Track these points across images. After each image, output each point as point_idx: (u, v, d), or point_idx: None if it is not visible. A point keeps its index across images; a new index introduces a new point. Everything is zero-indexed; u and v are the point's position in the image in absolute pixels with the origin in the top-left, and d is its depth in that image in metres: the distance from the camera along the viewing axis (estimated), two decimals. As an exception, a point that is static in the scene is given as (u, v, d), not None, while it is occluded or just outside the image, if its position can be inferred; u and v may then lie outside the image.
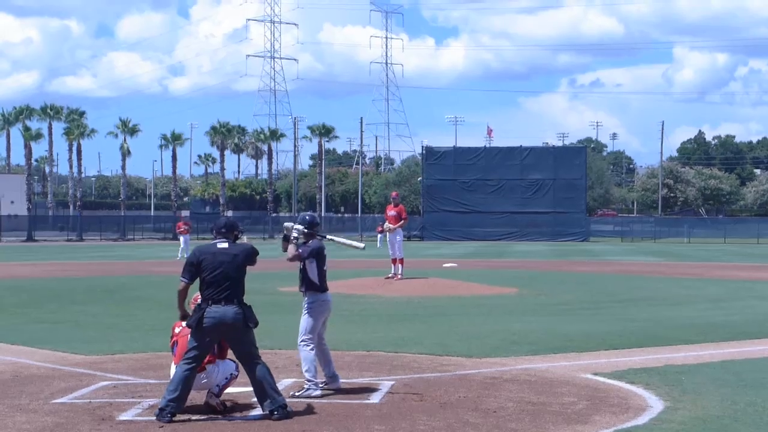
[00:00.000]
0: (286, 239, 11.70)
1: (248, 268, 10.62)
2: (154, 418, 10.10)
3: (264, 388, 10.27)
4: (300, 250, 11.57)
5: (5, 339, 17.09)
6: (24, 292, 28.01)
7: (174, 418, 10.03)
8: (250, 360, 10.37)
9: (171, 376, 10.50)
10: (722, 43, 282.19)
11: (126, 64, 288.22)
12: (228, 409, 10.60)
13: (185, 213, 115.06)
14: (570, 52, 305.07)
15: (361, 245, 12.86)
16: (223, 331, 10.29)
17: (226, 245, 10.55)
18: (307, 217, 11.93)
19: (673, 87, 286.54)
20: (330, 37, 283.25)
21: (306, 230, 11.71)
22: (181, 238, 49.13)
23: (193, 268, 10.43)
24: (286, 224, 11.82)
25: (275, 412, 10.14)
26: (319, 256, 11.65)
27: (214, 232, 10.79)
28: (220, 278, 10.26)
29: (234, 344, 10.44)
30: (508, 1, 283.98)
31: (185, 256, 44.99)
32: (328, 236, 12.37)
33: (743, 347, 16.29)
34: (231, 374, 10.63)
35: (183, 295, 10.57)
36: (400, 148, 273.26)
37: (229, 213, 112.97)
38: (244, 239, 11.35)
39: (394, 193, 31.46)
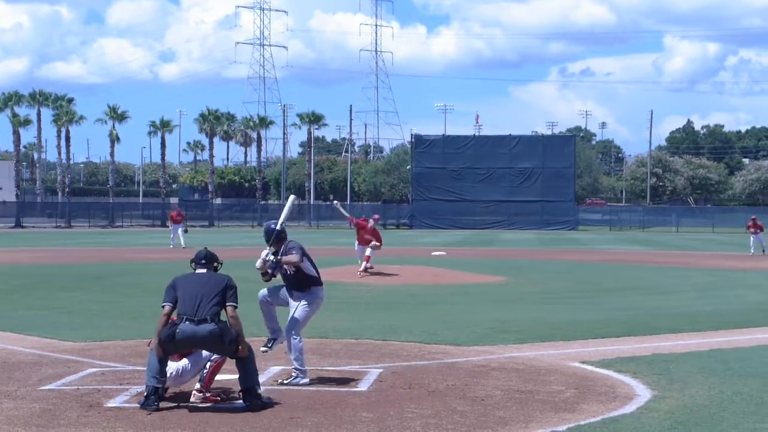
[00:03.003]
0: (268, 270, 11.73)
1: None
2: (139, 406, 10.08)
3: (247, 385, 10.31)
4: (294, 254, 11.51)
5: (-7, 325, 17.06)
6: (12, 279, 27.96)
7: (160, 406, 10.03)
8: (236, 361, 10.36)
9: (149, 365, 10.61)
10: (713, 32, 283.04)
11: (116, 51, 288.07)
12: (227, 398, 10.59)
13: (174, 200, 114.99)
14: (561, 40, 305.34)
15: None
16: (197, 345, 10.31)
17: (204, 271, 10.67)
18: (272, 226, 11.84)
19: (663, 76, 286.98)
20: (320, 24, 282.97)
21: (278, 238, 11.71)
22: (172, 227, 48.96)
23: (172, 290, 10.48)
24: (262, 260, 11.65)
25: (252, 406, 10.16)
26: (305, 252, 11.67)
27: (193, 263, 10.81)
28: (194, 295, 10.27)
29: (215, 352, 10.43)
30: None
31: (181, 243, 45.08)
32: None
33: (731, 336, 16.34)
34: (210, 362, 10.56)
35: (165, 319, 10.40)
36: (390, 136, 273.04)
37: (218, 200, 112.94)
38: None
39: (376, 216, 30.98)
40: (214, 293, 10.33)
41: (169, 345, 10.24)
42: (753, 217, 48.63)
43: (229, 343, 10.23)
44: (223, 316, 10.37)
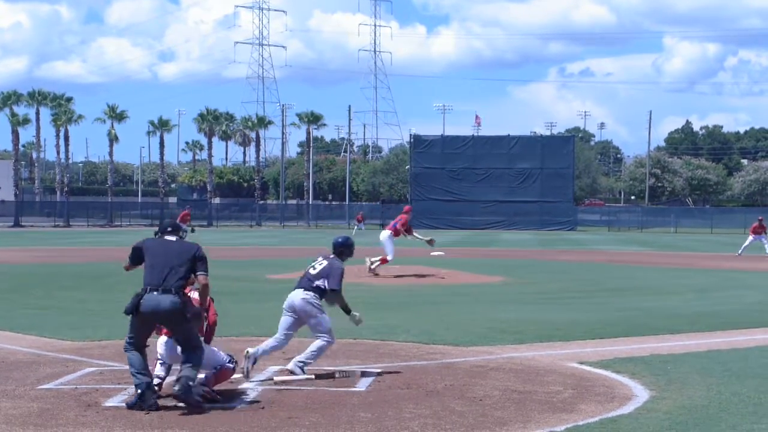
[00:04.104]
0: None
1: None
2: (131, 405, 10.08)
3: (181, 373, 10.19)
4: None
5: (-9, 325, 17.04)
6: (10, 278, 27.94)
7: (159, 404, 10.03)
8: (185, 346, 10.30)
9: (157, 348, 10.74)
10: (712, 33, 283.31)
11: (115, 50, 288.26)
12: (222, 399, 10.56)
13: (173, 200, 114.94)
14: (561, 40, 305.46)
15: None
16: (160, 319, 10.29)
17: (173, 238, 10.69)
18: (340, 240, 12.65)
19: (662, 77, 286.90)
20: (319, 24, 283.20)
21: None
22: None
23: (136, 252, 10.60)
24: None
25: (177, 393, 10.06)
26: None
27: (159, 233, 10.88)
28: (163, 266, 10.29)
29: (172, 331, 10.42)
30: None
31: None
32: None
33: (729, 337, 16.34)
34: (220, 366, 10.62)
35: (127, 268, 10.82)
36: (388, 136, 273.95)
37: (217, 200, 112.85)
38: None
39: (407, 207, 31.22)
40: (182, 263, 10.32)
41: (134, 317, 10.29)
42: (760, 218, 47.73)
43: (190, 318, 10.21)
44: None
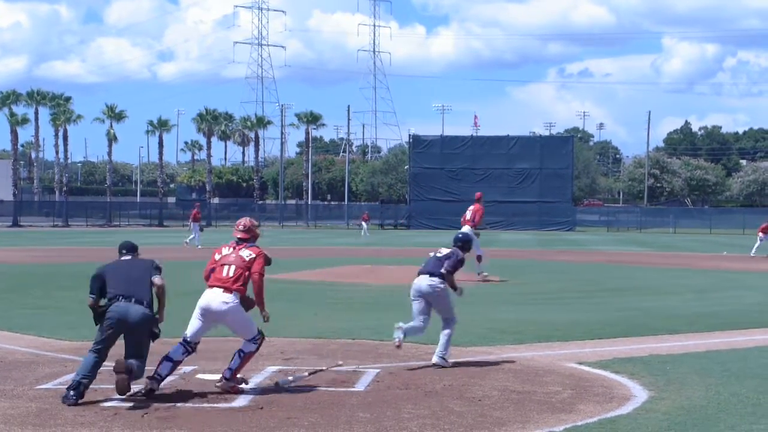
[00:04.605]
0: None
1: None
2: (61, 398, 10.24)
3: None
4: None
5: (-10, 324, 17.02)
6: (9, 278, 27.92)
7: (81, 401, 10.14)
8: (134, 354, 10.32)
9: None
10: (712, 33, 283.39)
11: (114, 50, 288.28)
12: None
13: (171, 200, 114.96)
14: (560, 41, 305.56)
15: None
16: (128, 327, 10.29)
17: (129, 257, 10.91)
18: (460, 236, 13.84)
19: (662, 77, 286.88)
20: (318, 24, 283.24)
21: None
22: (193, 226, 49.10)
23: (98, 281, 10.58)
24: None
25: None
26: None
27: (120, 252, 11.09)
28: (126, 278, 10.42)
29: (128, 340, 10.42)
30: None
31: (196, 243, 45.36)
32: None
33: (728, 337, 16.34)
34: (242, 351, 10.73)
35: (93, 309, 10.59)
36: (387, 137, 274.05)
37: (216, 200, 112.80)
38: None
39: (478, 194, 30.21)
40: (144, 273, 10.52)
41: (101, 326, 10.37)
42: None
43: (153, 335, 10.39)
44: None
